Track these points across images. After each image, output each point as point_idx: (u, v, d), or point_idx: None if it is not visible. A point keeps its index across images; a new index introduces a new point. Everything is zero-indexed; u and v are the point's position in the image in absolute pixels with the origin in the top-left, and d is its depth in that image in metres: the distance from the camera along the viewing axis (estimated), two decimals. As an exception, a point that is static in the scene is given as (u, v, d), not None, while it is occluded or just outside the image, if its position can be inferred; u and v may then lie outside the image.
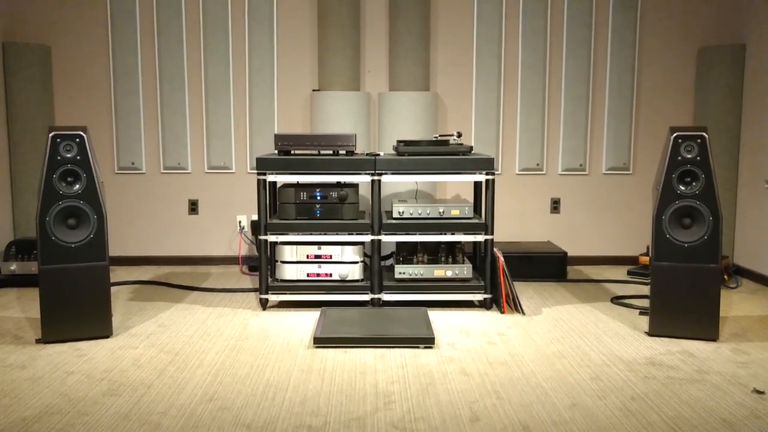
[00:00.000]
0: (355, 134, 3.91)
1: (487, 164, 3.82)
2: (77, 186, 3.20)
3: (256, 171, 3.83)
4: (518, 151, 5.03)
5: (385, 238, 3.82)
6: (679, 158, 3.23)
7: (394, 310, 3.64)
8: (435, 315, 3.74)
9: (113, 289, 4.31)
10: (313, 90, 4.83)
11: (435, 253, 4.07)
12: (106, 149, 4.99)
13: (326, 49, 4.72)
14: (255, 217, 5.02)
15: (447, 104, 5.00)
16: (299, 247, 3.86)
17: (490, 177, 3.81)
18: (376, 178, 3.79)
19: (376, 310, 3.68)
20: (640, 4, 4.92)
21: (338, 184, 3.96)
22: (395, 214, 3.89)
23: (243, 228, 5.06)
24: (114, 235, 5.06)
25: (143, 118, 4.97)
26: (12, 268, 4.36)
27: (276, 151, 3.97)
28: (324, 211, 3.89)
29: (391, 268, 4.16)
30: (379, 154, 3.87)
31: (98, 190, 3.22)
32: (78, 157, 3.19)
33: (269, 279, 3.90)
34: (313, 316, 3.74)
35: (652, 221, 3.30)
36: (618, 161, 5.04)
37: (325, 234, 3.83)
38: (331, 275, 3.86)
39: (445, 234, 3.81)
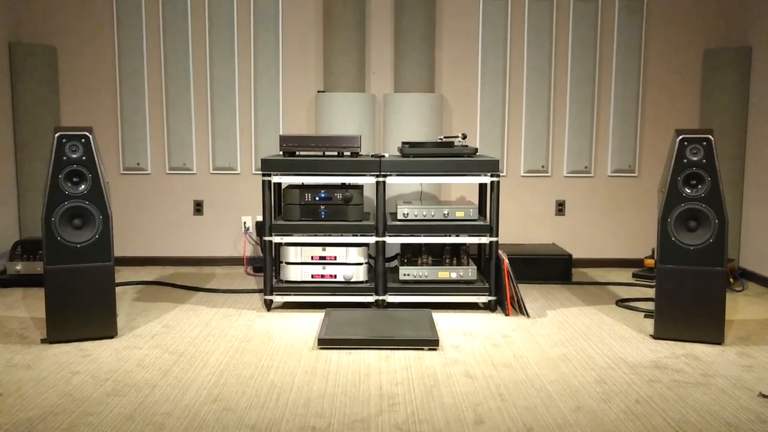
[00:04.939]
0: (359, 135, 3.92)
1: (492, 166, 3.82)
2: (83, 186, 3.21)
3: (261, 172, 3.83)
4: (523, 153, 5.02)
5: (389, 240, 3.82)
6: (685, 161, 3.22)
7: (399, 312, 3.64)
8: (439, 317, 3.74)
9: (118, 289, 4.32)
10: (318, 91, 4.83)
11: (439, 255, 4.06)
12: (111, 150, 5.00)
13: (331, 50, 4.73)
14: (260, 218, 5.02)
15: (452, 106, 5.00)
16: (304, 248, 3.86)
17: (495, 179, 3.81)
18: (380, 179, 3.79)
19: (381, 311, 3.68)
20: (645, 6, 4.91)
21: (343, 186, 3.96)
22: (400, 216, 3.88)
23: (248, 229, 5.07)
24: (119, 236, 5.07)
25: (149, 119, 4.98)
26: (17, 267, 4.37)
27: (281, 152, 3.98)
28: (329, 213, 3.89)
29: (395, 270, 4.16)
30: (383, 156, 3.87)
31: (103, 191, 3.23)
32: (83, 158, 3.19)
33: (274, 280, 3.91)
34: (317, 317, 3.74)
35: (657, 224, 3.29)
36: (623, 163, 5.03)
37: (329, 235, 3.83)
38: (335, 276, 3.86)
39: (449, 236, 3.81)
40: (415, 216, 3.87)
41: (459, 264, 3.94)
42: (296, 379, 2.82)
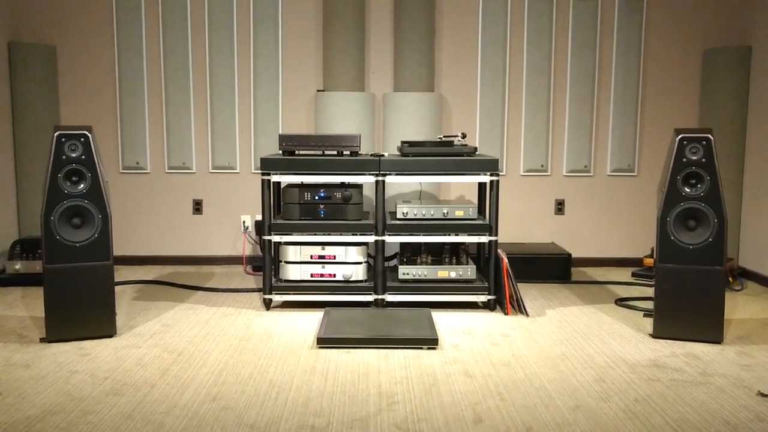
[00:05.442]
0: (359, 135, 3.92)
1: (491, 165, 3.82)
2: (82, 185, 3.21)
3: (260, 171, 3.83)
4: (523, 152, 5.02)
5: (389, 239, 3.82)
6: (684, 160, 3.23)
7: (398, 311, 3.64)
8: (438, 316, 3.74)
9: (117, 288, 4.32)
10: (318, 90, 4.83)
11: (439, 254, 4.06)
12: (110, 149, 5.00)
13: (331, 49, 4.73)
14: (259, 217, 5.02)
15: (452, 105, 5.00)
16: (303, 247, 3.86)
17: (494, 178, 3.81)
18: (380, 178, 3.79)
19: (380, 310, 3.68)
20: (645, 6, 4.91)
21: (342, 185, 3.96)
22: (399, 215, 3.88)
23: (247, 228, 5.07)
24: (118, 235, 5.07)
25: (148, 118, 4.98)
26: (17, 267, 4.37)
27: (280, 152, 3.98)
28: (328, 212, 3.89)
29: (394, 269, 4.16)
30: (383, 155, 3.87)
31: (103, 190, 3.23)
32: (83, 157, 3.19)
33: (273, 279, 3.91)
34: (316, 316, 3.74)
35: (656, 223, 3.29)
36: (623, 163, 5.03)
37: (329, 234, 3.83)
38: (334, 276, 3.86)
39: (449, 235, 3.81)
40: (415, 215, 3.87)
41: (458, 263, 3.94)
42: (295, 378, 2.82)
